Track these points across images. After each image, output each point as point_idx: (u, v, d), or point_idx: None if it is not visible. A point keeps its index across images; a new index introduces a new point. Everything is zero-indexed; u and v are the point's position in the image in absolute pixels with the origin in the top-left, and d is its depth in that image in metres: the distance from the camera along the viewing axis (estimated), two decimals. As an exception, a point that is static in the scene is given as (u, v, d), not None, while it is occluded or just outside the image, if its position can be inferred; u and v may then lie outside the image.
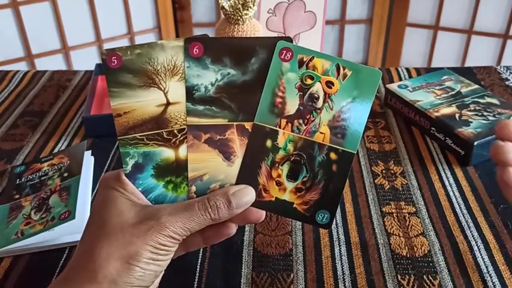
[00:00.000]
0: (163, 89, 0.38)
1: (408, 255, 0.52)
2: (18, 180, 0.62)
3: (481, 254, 0.51)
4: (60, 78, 0.91)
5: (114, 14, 1.89)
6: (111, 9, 1.88)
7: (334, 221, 0.56)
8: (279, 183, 0.39)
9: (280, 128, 0.39)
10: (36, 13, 1.73)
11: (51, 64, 1.82)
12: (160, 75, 0.38)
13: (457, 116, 0.68)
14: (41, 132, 0.75)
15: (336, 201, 0.39)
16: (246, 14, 0.68)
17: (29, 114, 0.80)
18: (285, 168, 0.39)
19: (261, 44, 0.38)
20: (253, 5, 0.68)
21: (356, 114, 0.38)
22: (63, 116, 0.79)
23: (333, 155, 0.39)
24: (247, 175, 0.39)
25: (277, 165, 0.39)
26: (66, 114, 0.79)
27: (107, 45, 1.90)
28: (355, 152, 0.39)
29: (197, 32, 2.08)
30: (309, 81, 0.38)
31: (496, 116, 0.68)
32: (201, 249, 0.53)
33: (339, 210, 0.58)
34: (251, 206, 0.39)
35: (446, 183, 0.62)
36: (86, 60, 1.88)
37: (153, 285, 0.39)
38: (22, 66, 1.79)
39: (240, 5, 0.68)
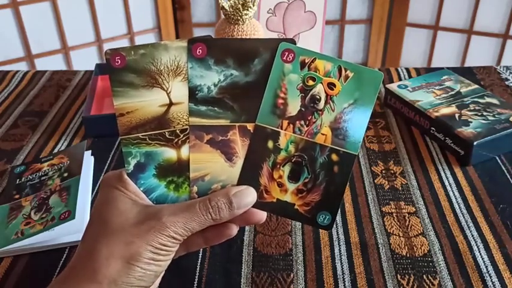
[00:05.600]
0: (166, 89, 0.38)
1: (408, 255, 0.52)
2: (18, 180, 0.62)
3: (480, 254, 0.51)
4: (60, 78, 0.91)
5: (114, 14, 1.89)
6: (111, 9, 1.88)
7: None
8: (280, 184, 0.39)
9: (281, 129, 0.39)
10: (36, 13, 1.73)
11: (51, 64, 1.82)
12: (164, 76, 0.38)
13: (456, 116, 0.68)
14: (41, 132, 0.75)
15: (337, 203, 0.39)
16: (246, 14, 0.68)
17: (29, 114, 0.80)
18: (287, 169, 0.39)
19: (264, 45, 0.38)
20: (253, 5, 0.68)
21: (357, 115, 0.38)
22: (63, 116, 0.79)
23: (334, 157, 0.39)
24: (248, 176, 0.39)
25: (278, 166, 0.39)
26: (66, 114, 0.79)
27: (106, 45, 1.90)
28: (357, 154, 0.39)
29: (197, 32, 2.08)
30: (310, 83, 0.38)
31: (496, 116, 0.68)
32: (201, 249, 0.53)
33: (339, 210, 0.58)
34: (252, 207, 0.39)
35: (446, 183, 0.62)
36: (86, 60, 1.88)
37: (154, 285, 0.39)
38: (22, 66, 1.79)
39: (240, 5, 0.68)
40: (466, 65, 2.01)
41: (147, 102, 0.38)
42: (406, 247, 0.53)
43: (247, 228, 0.56)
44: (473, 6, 1.90)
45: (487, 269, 0.50)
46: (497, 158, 0.66)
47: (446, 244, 0.53)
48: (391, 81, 0.87)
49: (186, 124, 0.39)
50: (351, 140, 0.38)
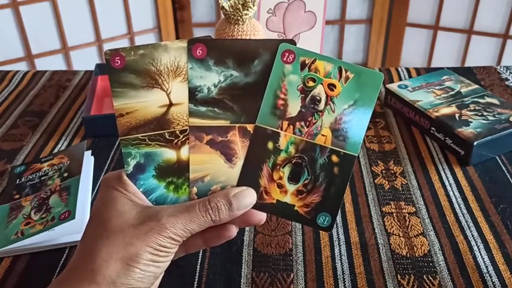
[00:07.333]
0: (166, 89, 0.38)
1: (408, 255, 0.52)
2: (18, 180, 0.62)
3: (481, 254, 0.51)
4: (60, 78, 0.91)
5: (114, 14, 1.89)
6: (111, 9, 1.87)
7: (334, 221, 0.56)
8: (280, 186, 0.39)
9: (281, 130, 0.39)
10: (36, 13, 1.73)
11: (51, 64, 1.82)
12: (163, 76, 0.38)
13: (457, 116, 0.68)
14: (41, 132, 0.75)
15: (337, 204, 0.39)
16: (246, 14, 0.68)
17: (29, 114, 0.80)
18: (287, 171, 0.39)
19: (264, 46, 0.38)
20: (253, 5, 0.68)
21: (358, 116, 0.38)
22: (63, 116, 0.79)
23: (334, 158, 0.39)
24: (248, 177, 0.39)
25: (278, 167, 0.39)
26: (66, 114, 0.79)
27: (106, 45, 1.90)
28: (357, 155, 0.39)
29: (197, 32, 2.08)
30: (311, 84, 0.38)
31: (496, 116, 0.68)
32: (201, 250, 0.53)
33: (339, 211, 0.58)
34: (252, 208, 0.39)
35: (446, 183, 0.62)
36: (86, 60, 1.88)
37: (154, 286, 0.39)
38: (22, 66, 1.79)
39: (240, 5, 0.68)
40: (466, 65, 2.01)
41: (146, 102, 0.38)
42: (406, 247, 0.53)
43: (247, 228, 0.56)
44: (473, 6, 1.90)
45: (487, 269, 0.50)
46: (497, 158, 0.66)
47: (446, 244, 0.53)
48: (391, 81, 0.87)
49: (186, 125, 0.39)
50: (351, 141, 0.38)
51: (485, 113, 0.69)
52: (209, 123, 0.39)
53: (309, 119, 0.39)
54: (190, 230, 0.37)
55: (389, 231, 0.55)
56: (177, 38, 2.08)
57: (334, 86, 0.38)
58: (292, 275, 0.50)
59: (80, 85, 0.88)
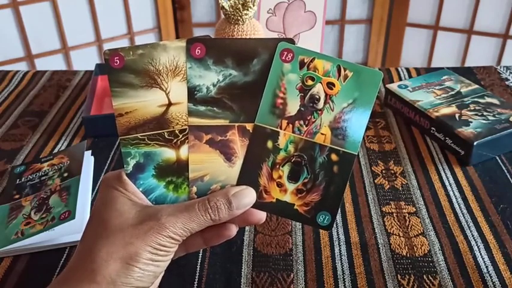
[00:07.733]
0: (165, 89, 0.38)
1: (408, 255, 0.52)
2: (18, 180, 0.62)
3: (481, 254, 0.51)
4: (60, 78, 0.91)
5: (114, 14, 1.89)
6: (111, 9, 1.88)
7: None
8: (279, 185, 0.39)
9: (281, 129, 0.39)
10: (36, 13, 1.73)
11: (51, 64, 1.82)
12: (162, 76, 0.38)
13: (457, 116, 0.68)
14: (41, 132, 0.75)
15: (337, 203, 0.39)
16: (246, 14, 0.68)
17: (29, 114, 0.80)
18: (286, 170, 0.39)
19: (262, 45, 0.38)
20: (253, 5, 0.68)
21: (357, 115, 0.38)
22: (63, 116, 0.79)
23: (334, 156, 0.39)
24: (248, 176, 0.39)
25: (278, 166, 0.39)
26: (66, 114, 0.79)
27: (106, 45, 1.90)
28: (356, 153, 0.39)
29: (197, 32, 2.08)
30: (309, 82, 0.38)
31: (496, 116, 0.68)
32: (201, 249, 0.53)
33: (339, 210, 0.58)
34: (252, 207, 0.39)
35: (446, 183, 0.62)
36: (86, 60, 1.88)
37: (154, 285, 0.39)
38: (22, 66, 1.79)
39: (240, 5, 0.68)
40: (466, 65, 2.01)
41: (146, 102, 0.38)
42: (406, 247, 0.53)
43: (247, 228, 0.56)
44: (473, 6, 1.90)
45: (487, 269, 0.50)
46: (497, 158, 0.66)
47: (446, 244, 0.53)
48: (391, 81, 0.87)
49: (185, 124, 0.39)
50: (351, 140, 0.38)
51: (485, 113, 0.69)
52: (208, 122, 0.39)
53: (308, 118, 0.39)
54: (190, 229, 0.37)
55: (389, 231, 0.55)
56: (177, 38, 2.08)
57: (333, 84, 0.38)
58: (292, 275, 0.50)
59: (80, 85, 0.88)
